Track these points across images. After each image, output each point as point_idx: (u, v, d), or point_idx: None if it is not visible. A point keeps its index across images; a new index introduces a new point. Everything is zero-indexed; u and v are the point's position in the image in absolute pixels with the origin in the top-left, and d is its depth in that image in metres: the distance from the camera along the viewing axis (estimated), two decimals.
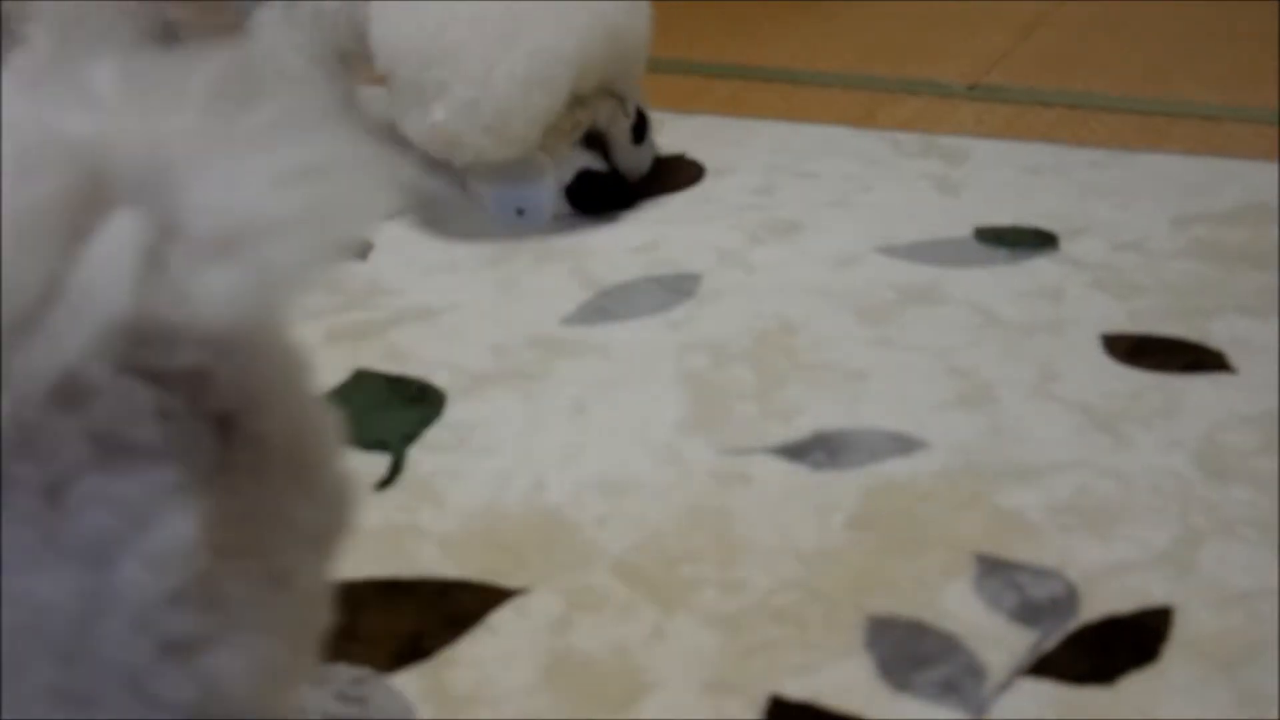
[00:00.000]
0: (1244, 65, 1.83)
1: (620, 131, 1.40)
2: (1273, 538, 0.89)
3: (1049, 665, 0.80)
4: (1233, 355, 1.11)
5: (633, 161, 1.42)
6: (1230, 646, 0.80)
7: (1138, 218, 1.37)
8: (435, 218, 1.41)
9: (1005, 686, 0.78)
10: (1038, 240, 1.32)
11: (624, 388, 1.09)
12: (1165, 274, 1.25)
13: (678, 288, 1.24)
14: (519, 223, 1.38)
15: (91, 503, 0.47)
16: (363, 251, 1.33)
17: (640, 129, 1.42)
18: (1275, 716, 0.75)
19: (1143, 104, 1.70)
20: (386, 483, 0.98)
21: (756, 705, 0.77)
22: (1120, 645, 0.81)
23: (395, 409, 1.07)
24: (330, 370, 1.12)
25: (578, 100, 1.35)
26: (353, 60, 1.45)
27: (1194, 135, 1.60)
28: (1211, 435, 1.01)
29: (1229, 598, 0.84)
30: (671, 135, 1.59)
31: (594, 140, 1.39)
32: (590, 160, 1.38)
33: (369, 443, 1.02)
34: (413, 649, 0.82)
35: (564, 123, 1.36)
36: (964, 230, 1.35)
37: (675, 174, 1.50)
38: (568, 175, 1.38)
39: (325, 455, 0.58)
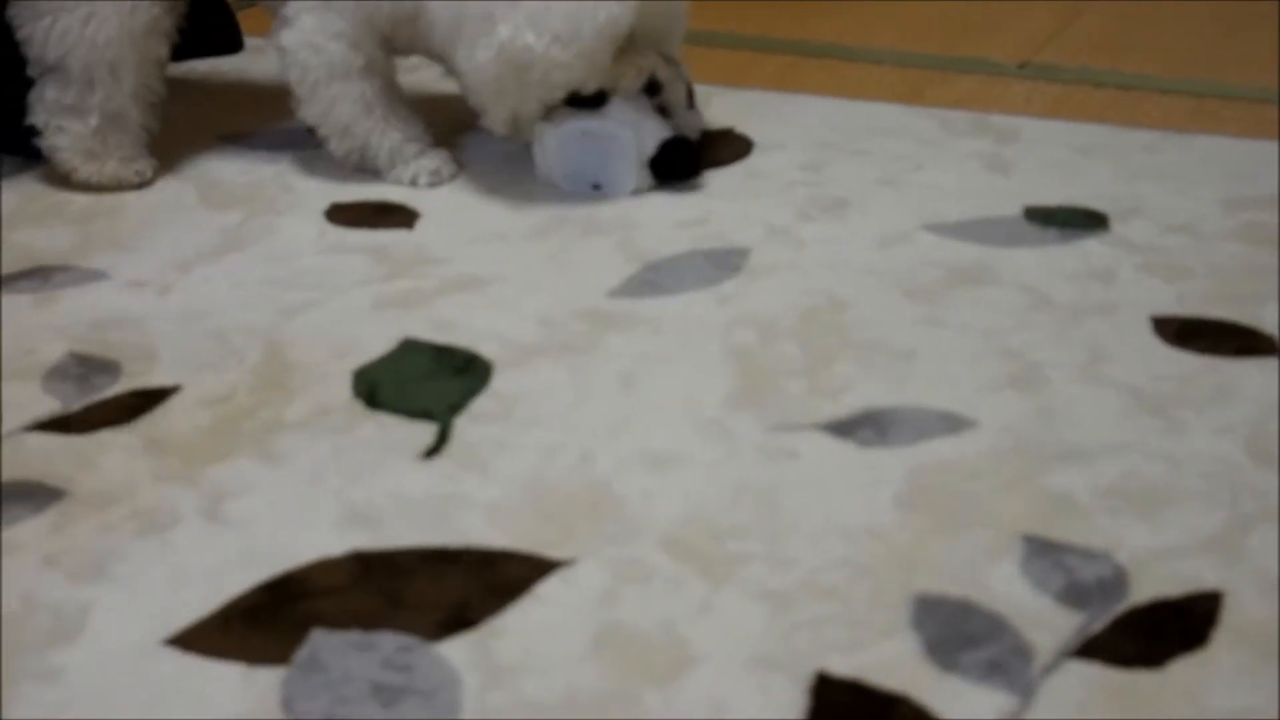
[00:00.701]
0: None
1: (678, 96, 1.40)
2: None
3: (1096, 648, 0.79)
4: None
5: (690, 128, 1.42)
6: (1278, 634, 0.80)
7: (1189, 200, 1.36)
8: (484, 187, 1.41)
9: (1052, 668, 0.78)
10: (1088, 221, 1.32)
11: (671, 362, 1.09)
12: (1216, 257, 1.24)
13: (726, 263, 1.24)
14: (595, 194, 1.39)
15: None
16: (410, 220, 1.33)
17: (689, 94, 1.42)
18: None
19: (1196, 86, 1.69)
20: (433, 451, 0.98)
21: (801, 682, 0.77)
22: (1169, 629, 0.80)
23: (442, 379, 1.07)
24: (377, 339, 1.12)
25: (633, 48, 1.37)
26: (391, 46, 1.45)
27: (1246, 118, 1.59)
28: (1262, 421, 1.00)
29: (1278, 585, 0.84)
30: (720, 109, 1.59)
31: (660, 109, 1.40)
32: (663, 128, 1.38)
33: (415, 412, 1.03)
34: (459, 618, 0.82)
35: (628, 65, 1.36)
36: (1014, 210, 1.34)
37: (724, 148, 1.50)
38: (649, 146, 1.38)
39: None
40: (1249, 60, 1.78)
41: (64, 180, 1.43)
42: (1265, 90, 1.67)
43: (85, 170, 1.42)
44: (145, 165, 1.45)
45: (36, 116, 1.41)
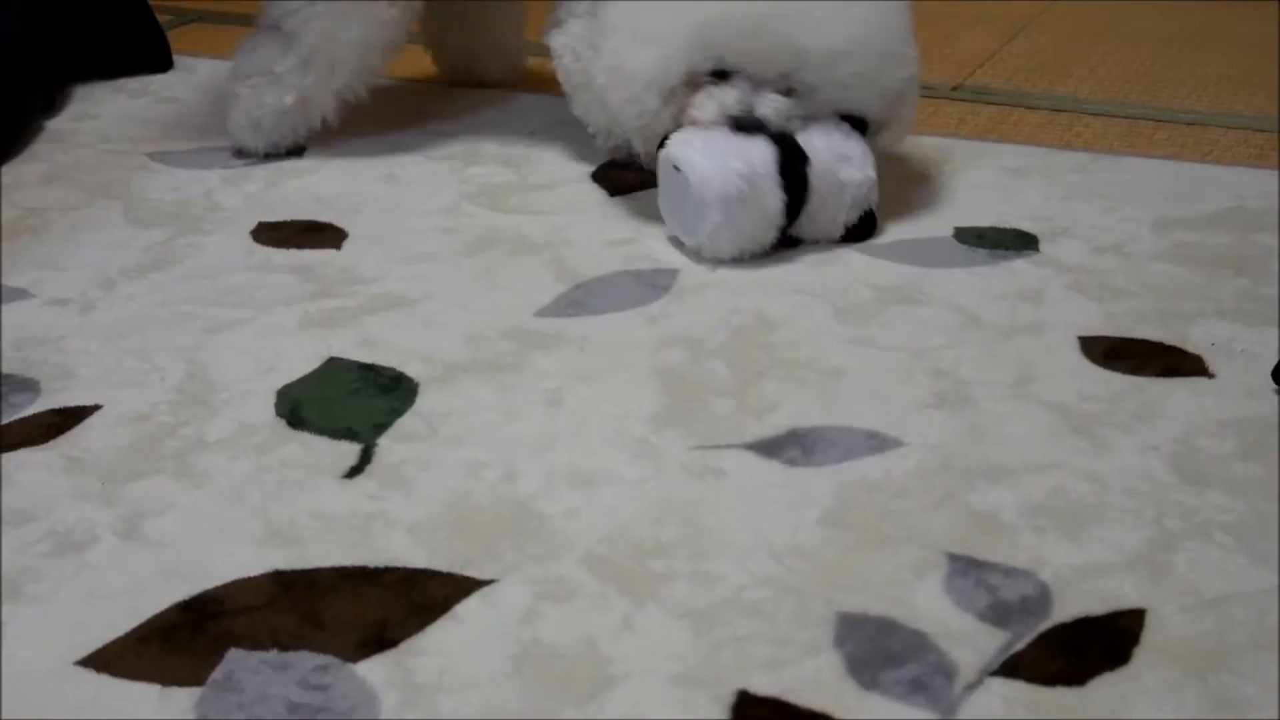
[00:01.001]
0: (1231, 71, 1.83)
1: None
2: (1247, 543, 0.89)
3: (1019, 665, 0.79)
4: (1211, 360, 1.10)
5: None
6: (1202, 650, 0.80)
7: (1119, 221, 1.36)
8: (415, 207, 1.40)
9: (975, 686, 0.77)
10: (1018, 241, 1.32)
11: (599, 381, 1.08)
12: (1145, 277, 1.24)
13: (655, 282, 1.24)
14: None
15: None
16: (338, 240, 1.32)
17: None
18: None
19: (1129, 108, 1.70)
20: (356, 471, 0.97)
21: (723, 700, 0.77)
22: (1092, 647, 0.80)
23: (367, 397, 1.06)
24: (302, 358, 1.11)
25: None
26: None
27: (1179, 140, 1.60)
28: (1188, 439, 1.00)
29: (1202, 602, 0.84)
30: None
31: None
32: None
33: (339, 431, 1.02)
34: (378, 638, 0.81)
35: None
36: (944, 230, 1.34)
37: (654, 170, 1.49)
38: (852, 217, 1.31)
39: None
40: (1181, 83, 1.79)
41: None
42: (1196, 112, 1.68)
43: (245, 136, 1.51)
44: (300, 141, 1.53)
45: (239, 63, 1.49)
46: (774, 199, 1.24)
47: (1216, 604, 0.83)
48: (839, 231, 1.30)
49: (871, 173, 1.29)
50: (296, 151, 1.54)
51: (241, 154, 1.53)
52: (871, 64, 1.28)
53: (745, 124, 1.25)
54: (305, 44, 1.45)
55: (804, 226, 1.29)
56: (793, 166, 1.25)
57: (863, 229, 1.30)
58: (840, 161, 1.27)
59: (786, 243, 1.29)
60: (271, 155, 1.52)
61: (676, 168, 1.26)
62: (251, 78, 1.49)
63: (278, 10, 1.46)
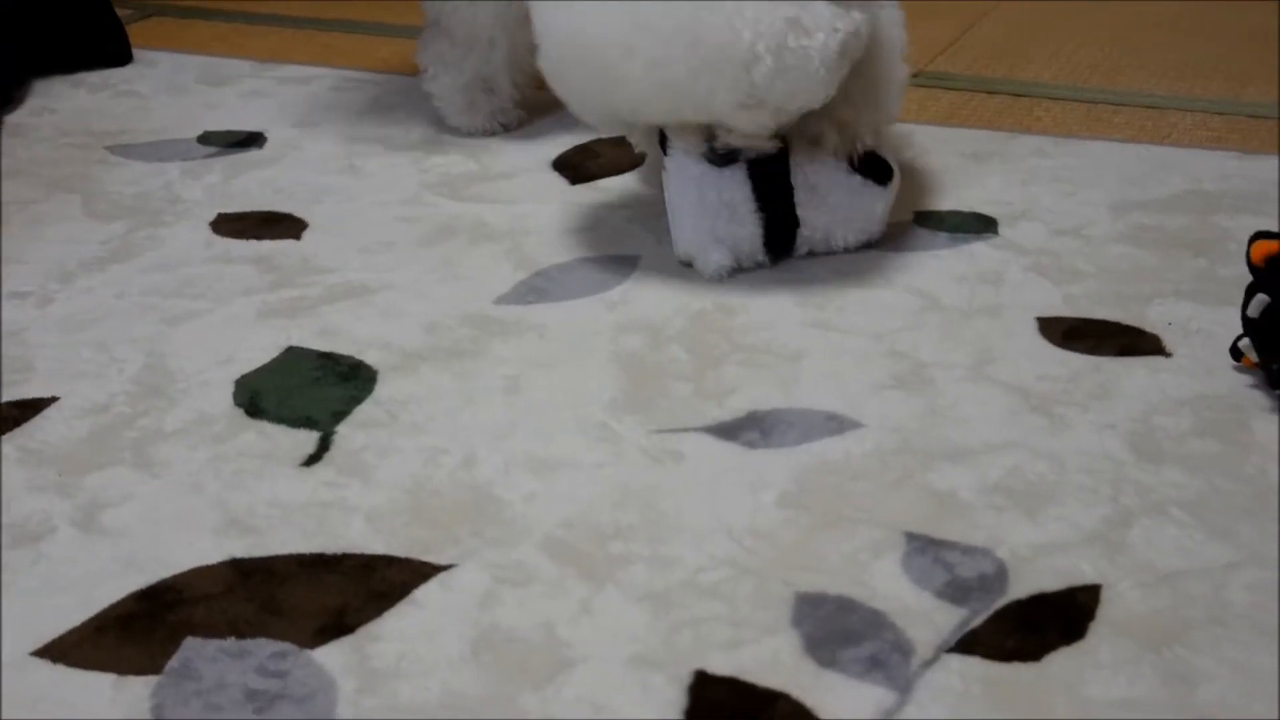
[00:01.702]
0: (1189, 56, 1.84)
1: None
2: (1203, 519, 0.89)
3: (975, 642, 0.79)
4: (1168, 339, 1.11)
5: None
6: (1158, 626, 0.80)
7: (1078, 204, 1.37)
8: (376, 197, 1.40)
9: (931, 663, 0.78)
10: (978, 225, 1.32)
11: (558, 367, 1.08)
12: (1103, 259, 1.25)
13: (615, 269, 1.24)
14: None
15: None
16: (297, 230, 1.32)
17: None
18: (1200, 695, 0.75)
19: (1088, 93, 1.70)
20: (314, 459, 0.97)
21: (681, 681, 0.77)
22: (1048, 623, 0.80)
23: (326, 386, 1.06)
24: (261, 348, 1.11)
25: None
26: None
27: (1138, 124, 1.60)
28: (1145, 418, 1.00)
29: (1158, 578, 0.84)
30: None
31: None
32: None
33: (297, 419, 1.01)
34: (336, 624, 0.81)
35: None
36: (904, 214, 1.34)
37: (616, 157, 1.50)
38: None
39: None
40: (1140, 68, 1.80)
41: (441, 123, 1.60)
42: (1156, 96, 1.68)
43: (456, 119, 1.59)
44: (510, 118, 1.60)
45: (422, 58, 1.58)
46: (749, 225, 1.22)
47: (1172, 579, 0.84)
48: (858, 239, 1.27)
49: (878, 211, 1.27)
50: (505, 129, 1.60)
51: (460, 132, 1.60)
52: None
53: (718, 158, 1.20)
54: (457, 31, 1.54)
55: (817, 240, 1.26)
56: (771, 193, 1.23)
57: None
58: (846, 197, 1.25)
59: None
60: (490, 133, 1.59)
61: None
62: (429, 69, 1.57)
63: (430, 8, 1.56)
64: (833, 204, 1.24)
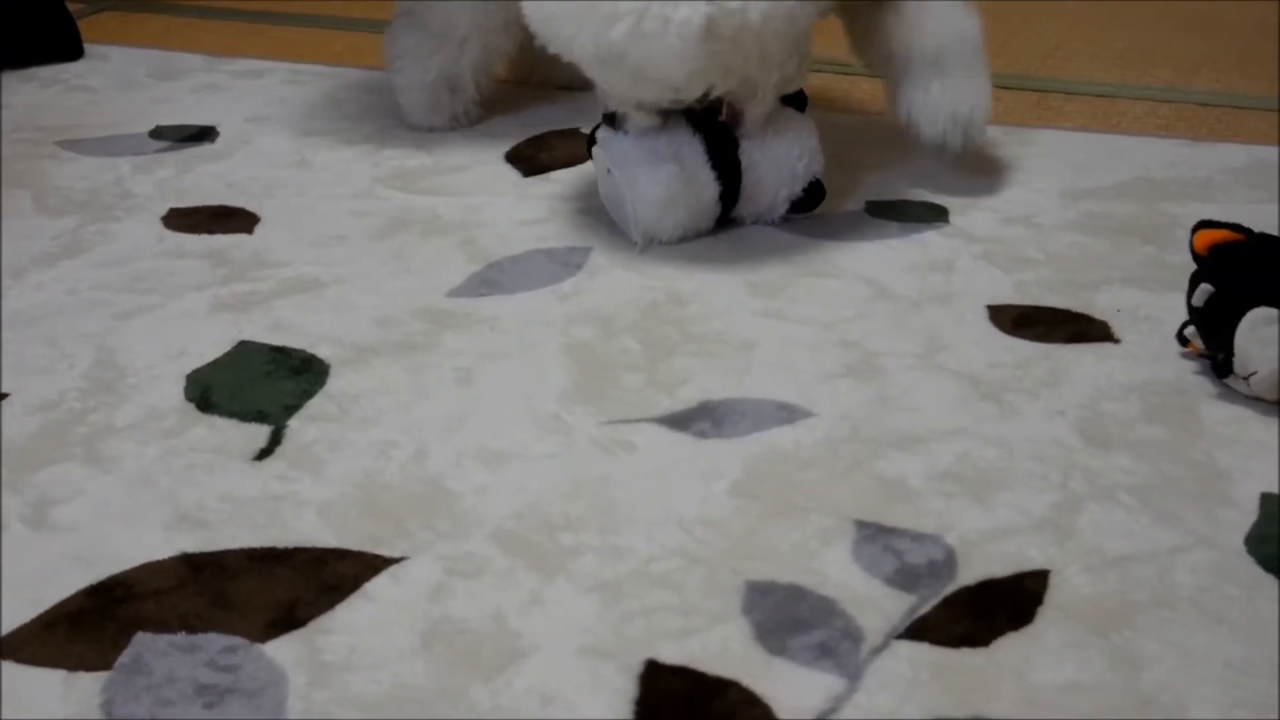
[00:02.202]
0: (1139, 45, 1.85)
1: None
2: (1150, 503, 0.90)
3: (925, 628, 0.79)
4: (1117, 326, 1.11)
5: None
6: (1105, 610, 0.81)
7: (1028, 192, 1.37)
8: (328, 190, 1.40)
9: (881, 649, 0.78)
10: (929, 214, 1.33)
11: (510, 359, 1.08)
12: (1053, 247, 1.25)
13: (568, 260, 1.24)
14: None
15: None
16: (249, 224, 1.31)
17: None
18: (1146, 678, 0.76)
19: (1039, 82, 1.71)
20: (266, 453, 0.97)
21: (631, 670, 0.77)
22: (996, 608, 0.81)
23: (278, 380, 1.06)
24: (212, 342, 1.11)
25: None
26: None
27: (1089, 112, 1.61)
28: (1094, 404, 1.01)
29: (1105, 562, 0.85)
30: (568, 111, 1.58)
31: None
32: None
33: (249, 414, 1.01)
34: (288, 618, 0.81)
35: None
36: (856, 204, 1.35)
37: (569, 149, 1.50)
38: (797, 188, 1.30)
39: None
40: (1092, 57, 1.81)
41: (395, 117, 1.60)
42: (1105, 84, 1.69)
43: (416, 116, 1.57)
44: (471, 118, 1.59)
45: (387, 48, 1.57)
46: (709, 190, 1.25)
47: (1119, 563, 0.84)
48: (782, 208, 1.30)
49: (813, 142, 1.29)
50: (460, 125, 1.59)
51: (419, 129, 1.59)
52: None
53: (669, 111, 1.24)
54: (432, 24, 1.53)
55: (744, 208, 1.29)
56: (722, 153, 1.25)
57: (809, 200, 1.30)
58: (776, 137, 1.27)
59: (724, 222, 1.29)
60: (452, 127, 1.58)
61: (609, 170, 1.26)
62: (396, 60, 1.56)
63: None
64: (771, 147, 1.27)
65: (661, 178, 1.24)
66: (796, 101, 1.30)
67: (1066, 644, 0.78)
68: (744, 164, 1.26)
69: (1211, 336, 1.02)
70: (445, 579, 0.84)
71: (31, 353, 1.10)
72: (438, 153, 1.50)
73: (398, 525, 0.89)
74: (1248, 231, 1.05)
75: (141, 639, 0.80)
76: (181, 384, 1.05)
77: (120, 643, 0.79)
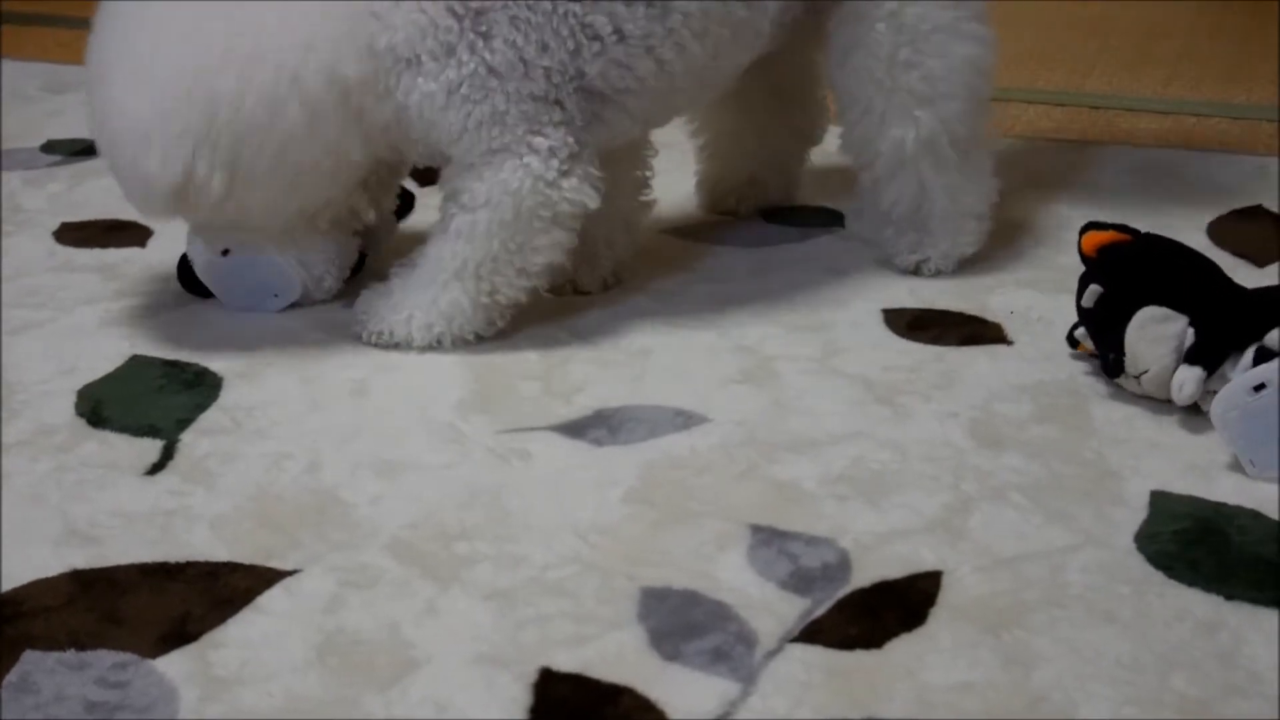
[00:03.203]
0: (1034, 47, 1.87)
1: None
2: (1041, 503, 0.91)
3: (818, 631, 0.80)
4: (1010, 328, 1.12)
5: None
6: (997, 609, 0.81)
7: None
8: None
9: (775, 653, 0.78)
10: (825, 219, 1.33)
11: (406, 370, 1.08)
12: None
13: None
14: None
15: None
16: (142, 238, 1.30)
17: None
18: (1037, 677, 0.76)
19: None
20: (158, 467, 0.96)
21: (526, 678, 0.77)
22: (889, 610, 0.81)
23: (170, 394, 1.05)
24: (104, 357, 1.10)
25: None
26: None
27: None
28: (986, 405, 1.02)
29: (997, 562, 0.85)
30: None
31: None
32: None
33: (141, 428, 1.00)
34: (179, 632, 0.81)
35: None
36: (751, 211, 1.35)
37: None
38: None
39: None
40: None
41: None
42: (999, 89, 1.70)
43: None
44: None
45: None
46: None
47: (1011, 563, 0.85)
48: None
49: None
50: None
51: None
52: None
53: None
54: None
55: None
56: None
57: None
58: None
59: None
60: None
61: None
62: None
63: None
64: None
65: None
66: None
67: (959, 644, 0.79)
68: None
69: (1102, 337, 1.03)
70: (339, 590, 0.84)
71: None
72: None
73: (291, 537, 0.89)
74: (1134, 232, 1.07)
75: (30, 657, 0.79)
76: (73, 399, 1.04)
77: (8, 662, 0.78)
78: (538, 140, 1.07)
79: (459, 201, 1.09)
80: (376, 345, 1.11)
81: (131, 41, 1.06)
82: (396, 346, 1.10)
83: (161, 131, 1.04)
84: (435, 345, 1.10)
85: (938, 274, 1.21)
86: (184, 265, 1.18)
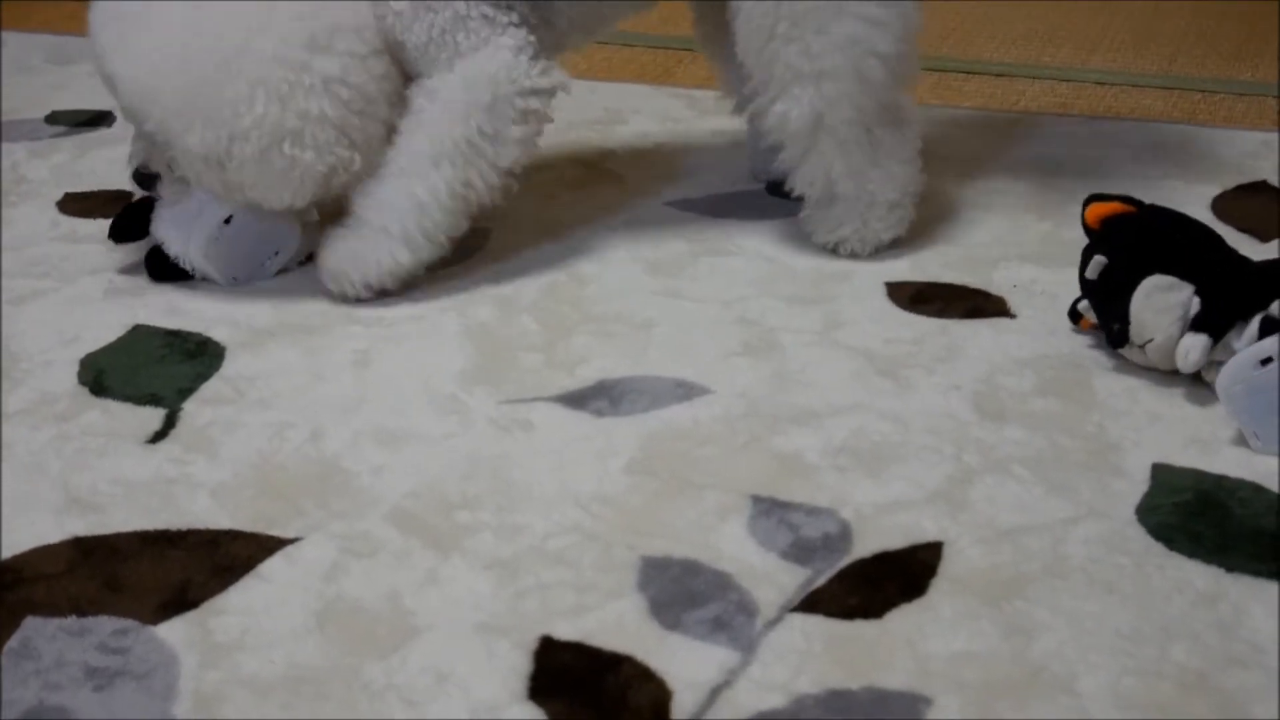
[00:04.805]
0: (1038, 25, 1.86)
1: None
2: (1043, 475, 0.91)
3: (819, 601, 0.80)
4: (1013, 301, 1.12)
5: None
6: (997, 580, 0.81)
7: (929, 172, 1.38)
8: None
9: (775, 623, 0.78)
10: None
11: (408, 341, 1.08)
12: (951, 223, 1.26)
13: (466, 241, 1.23)
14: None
15: None
16: None
17: None
18: (1037, 647, 0.76)
19: (938, 61, 1.71)
20: (160, 436, 0.96)
21: (527, 646, 0.77)
22: (890, 580, 0.81)
23: (172, 363, 1.05)
24: (107, 326, 1.10)
25: None
26: None
27: (987, 92, 1.62)
28: (989, 378, 1.02)
29: (998, 533, 0.85)
30: None
31: None
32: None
33: (143, 397, 1.01)
34: (179, 599, 0.81)
35: None
36: (756, 183, 1.35)
37: None
38: None
39: None
40: (991, 36, 1.82)
41: None
42: (1004, 64, 1.70)
43: None
44: None
45: None
46: None
47: (1012, 535, 0.85)
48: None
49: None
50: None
51: None
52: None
53: (142, 181, 1.18)
54: None
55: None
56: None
57: None
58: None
59: None
60: None
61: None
62: None
63: None
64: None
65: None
66: None
67: (959, 614, 0.79)
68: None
69: (1106, 308, 1.02)
70: (340, 558, 0.84)
71: None
72: None
73: (292, 506, 0.89)
74: (1138, 203, 1.06)
75: (31, 624, 0.79)
76: (75, 368, 1.04)
77: (9, 628, 0.79)
78: (503, 39, 1.13)
79: (432, 95, 1.13)
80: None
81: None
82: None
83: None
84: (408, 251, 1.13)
85: (854, 256, 1.20)
86: (153, 255, 1.18)
